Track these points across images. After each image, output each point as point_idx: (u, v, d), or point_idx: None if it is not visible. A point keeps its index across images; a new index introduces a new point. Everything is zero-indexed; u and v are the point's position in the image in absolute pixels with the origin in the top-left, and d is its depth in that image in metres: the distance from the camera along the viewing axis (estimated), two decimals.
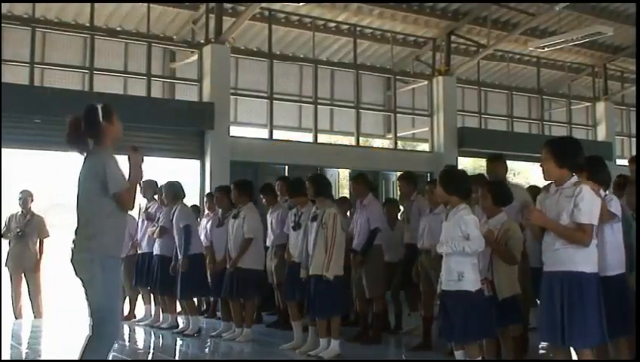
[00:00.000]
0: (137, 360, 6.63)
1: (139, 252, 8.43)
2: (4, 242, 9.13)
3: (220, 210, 7.89)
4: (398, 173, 14.25)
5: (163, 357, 7.07)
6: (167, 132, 11.02)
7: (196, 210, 9.17)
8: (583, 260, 3.86)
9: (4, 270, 9.06)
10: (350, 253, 6.97)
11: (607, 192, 4.52)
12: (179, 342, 7.45)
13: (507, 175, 6.50)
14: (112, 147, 4.14)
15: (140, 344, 7.87)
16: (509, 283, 4.96)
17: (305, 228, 6.59)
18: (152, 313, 8.50)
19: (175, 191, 7.89)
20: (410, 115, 14.78)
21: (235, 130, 12.12)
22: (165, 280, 7.83)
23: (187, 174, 11.53)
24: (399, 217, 8.10)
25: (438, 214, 6.06)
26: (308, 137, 13.40)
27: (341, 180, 13.58)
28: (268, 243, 7.77)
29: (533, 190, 6.63)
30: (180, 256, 7.62)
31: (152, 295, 8.48)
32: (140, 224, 8.48)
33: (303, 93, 13.36)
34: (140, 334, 8.16)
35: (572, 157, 3.94)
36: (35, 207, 9.40)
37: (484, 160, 6.64)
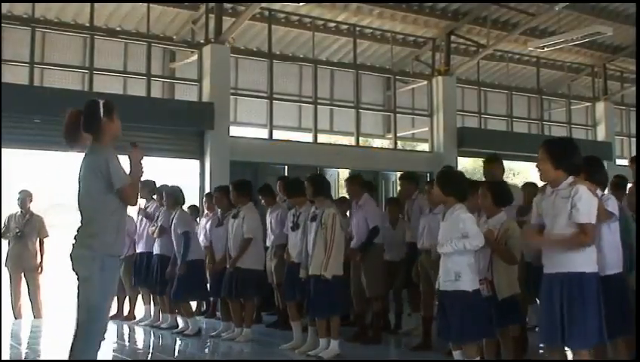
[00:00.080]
0: (137, 360, 6.63)
1: (137, 251, 8.44)
2: (4, 242, 9.12)
3: (220, 210, 7.89)
4: (398, 173, 14.39)
5: (163, 357, 7.07)
6: (166, 132, 11.02)
7: (195, 211, 9.17)
8: (583, 260, 3.85)
9: (4, 270, 9.06)
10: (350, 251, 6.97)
11: (604, 192, 4.52)
12: (179, 342, 7.45)
13: (505, 176, 6.50)
14: (111, 144, 4.13)
15: (140, 344, 7.87)
16: (509, 283, 4.95)
17: (304, 228, 6.59)
18: (152, 313, 8.50)
19: (175, 196, 7.90)
20: (409, 115, 14.79)
21: (235, 130, 12.13)
22: (165, 281, 7.83)
23: (187, 174, 11.55)
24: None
25: (437, 214, 6.04)
26: (308, 137, 13.40)
27: (341, 180, 13.55)
28: (268, 244, 7.78)
29: (530, 188, 6.63)
30: (178, 262, 7.62)
31: (151, 295, 8.48)
32: (138, 224, 8.47)
33: (303, 93, 13.37)
34: (139, 334, 8.16)
35: (569, 158, 3.92)
36: (35, 207, 9.40)
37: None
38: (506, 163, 6.58)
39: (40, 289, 9.21)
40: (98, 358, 4.03)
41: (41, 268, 9.18)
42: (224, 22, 11.33)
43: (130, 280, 8.48)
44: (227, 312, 7.55)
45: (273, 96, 12.46)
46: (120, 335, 7.96)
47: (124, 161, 4.13)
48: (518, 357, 5.25)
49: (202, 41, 11.54)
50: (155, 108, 10.92)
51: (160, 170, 10.24)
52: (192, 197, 9.95)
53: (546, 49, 13.35)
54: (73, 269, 4.03)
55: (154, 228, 8.06)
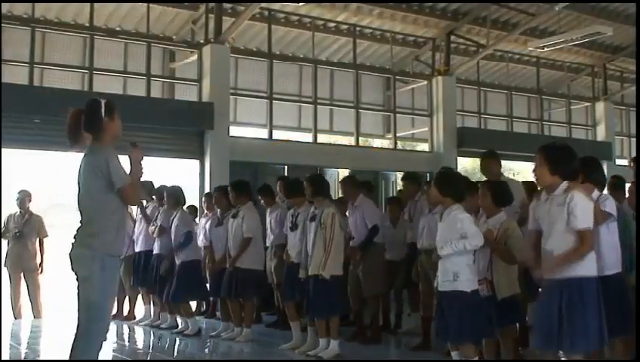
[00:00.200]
0: (137, 360, 6.63)
1: (135, 250, 8.43)
2: (4, 242, 9.13)
3: (220, 210, 7.89)
4: (398, 173, 14.42)
5: (163, 357, 7.07)
6: (166, 132, 11.02)
7: (194, 211, 9.15)
8: (582, 266, 3.85)
9: (4, 270, 9.06)
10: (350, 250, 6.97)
11: (601, 193, 4.52)
12: (179, 342, 7.45)
13: (502, 172, 6.50)
14: (111, 144, 4.13)
15: (140, 344, 7.87)
16: (509, 283, 4.95)
17: (302, 228, 6.59)
18: (152, 313, 8.50)
19: (177, 196, 7.91)
20: (409, 115, 14.80)
21: (235, 130, 12.14)
22: (164, 281, 7.83)
23: (187, 174, 11.55)
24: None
25: (436, 214, 6.04)
26: (307, 137, 13.41)
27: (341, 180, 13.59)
28: (267, 244, 7.78)
29: (529, 185, 6.63)
30: (176, 260, 7.63)
31: (150, 295, 8.48)
32: (137, 224, 8.47)
33: (303, 93, 13.38)
34: (139, 334, 8.16)
35: (565, 164, 3.92)
36: (35, 207, 9.40)
37: None
38: (506, 163, 6.60)
39: (40, 289, 9.21)
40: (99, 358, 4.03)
41: (41, 269, 9.19)
42: (224, 22, 11.34)
43: (130, 280, 8.48)
44: (227, 312, 7.55)
45: (273, 96, 12.46)
46: (120, 335, 7.96)
47: (124, 160, 4.13)
48: (517, 357, 5.25)
49: (202, 41, 11.54)
50: (155, 108, 10.93)
51: (160, 170, 10.26)
52: (192, 198, 9.94)
53: (545, 49, 13.36)
54: (72, 269, 4.02)
55: (154, 227, 8.06)
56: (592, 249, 3.85)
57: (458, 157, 14.13)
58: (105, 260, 3.97)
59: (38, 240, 9.19)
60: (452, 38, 13.90)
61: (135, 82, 11.56)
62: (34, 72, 10.53)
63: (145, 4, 11.25)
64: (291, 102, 13.27)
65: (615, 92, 17.07)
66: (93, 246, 3.97)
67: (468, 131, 14.21)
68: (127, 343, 7.73)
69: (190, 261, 7.66)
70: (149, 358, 6.90)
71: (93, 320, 3.93)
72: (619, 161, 16.84)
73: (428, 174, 12.75)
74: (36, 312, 9.10)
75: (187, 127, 11.20)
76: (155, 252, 8.07)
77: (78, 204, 4.11)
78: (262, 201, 8.06)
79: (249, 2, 11.05)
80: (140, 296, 8.79)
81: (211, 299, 8.89)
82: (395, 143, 14.02)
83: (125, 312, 8.89)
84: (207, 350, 7.20)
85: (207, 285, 8.09)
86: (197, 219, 8.98)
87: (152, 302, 8.54)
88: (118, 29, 11.51)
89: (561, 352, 4.05)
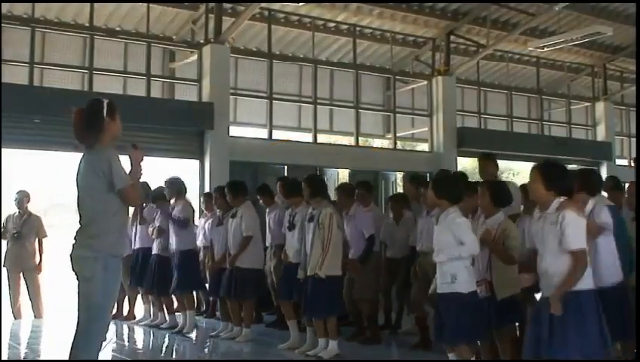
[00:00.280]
0: (137, 360, 6.64)
1: (132, 248, 8.41)
2: (3, 242, 9.13)
3: (219, 210, 7.89)
4: (398, 173, 14.42)
5: (163, 357, 7.07)
6: (166, 132, 11.02)
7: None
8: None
9: (3, 270, 9.07)
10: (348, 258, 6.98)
11: (595, 202, 4.58)
12: (178, 342, 7.46)
13: (504, 175, 6.51)
14: (110, 144, 4.13)
15: (140, 344, 7.88)
16: (508, 284, 4.95)
17: (300, 228, 6.60)
18: (152, 313, 8.50)
19: (178, 187, 7.91)
20: (409, 115, 14.78)
21: (235, 130, 12.13)
22: (163, 282, 7.84)
23: (186, 174, 11.52)
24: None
25: (433, 216, 6.05)
26: (307, 137, 13.40)
27: (340, 180, 13.56)
28: (267, 244, 7.79)
29: (525, 188, 6.62)
30: (172, 249, 7.71)
31: (149, 295, 8.48)
32: (134, 224, 8.46)
33: (303, 93, 13.37)
34: (139, 334, 8.17)
35: (560, 180, 4.01)
36: (35, 207, 9.40)
37: None
38: (505, 163, 6.60)
39: (40, 289, 9.22)
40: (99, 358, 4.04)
41: (40, 269, 9.19)
42: (224, 22, 11.33)
43: (129, 279, 8.47)
44: (226, 312, 7.56)
45: (273, 96, 12.46)
46: (120, 335, 7.97)
47: (125, 161, 4.13)
48: (515, 358, 5.25)
49: (202, 41, 11.54)
50: (155, 108, 10.92)
51: (160, 170, 10.25)
52: (191, 198, 9.94)
53: (545, 49, 13.35)
54: (73, 270, 4.03)
55: (152, 228, 8.06)
56: (587, 265, 3.87)
57: (458, 158, 14.11)
58: (108, 261, 3.97)
59: (37, 240, 9.20)
60: (452, 38, 13.88)
61: (135, 82, 11.56)
62: (34, 72, 10.52)
63: (145, 4, 11.25)
64: (291, 102, 13.26)
65: (615, 92, 17.06)
66: (94, 247, 3.97)
67: (468, 131, 14.19)
68: (126, 343, 7.74)
69: (186, 250, 7.69)
70: (148, 358, 6.91)
71: (93, 320, 3.94)
72: (619, 161, 16.84)
73: (428, 174, 12.76)
74: (37, 312, 9.11)
75: (187, 127, 11.19)
76: (153, 252, 8.07)
77: (78, 204, 4.11)
78: (261, 201, 8.07)
79: (249, 2, 11.04)
80: (139, 296, 8.79)
81: (211, 298, 8.90)
82: (395, 143, 14.01)
83: (125, 312, 8.90)
84: (206, 350, 7.21)
85: (207, 285, 8.11)
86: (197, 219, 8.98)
87: (151, 302, 8.54)
88: (118, 29, 11.50)
89: None
